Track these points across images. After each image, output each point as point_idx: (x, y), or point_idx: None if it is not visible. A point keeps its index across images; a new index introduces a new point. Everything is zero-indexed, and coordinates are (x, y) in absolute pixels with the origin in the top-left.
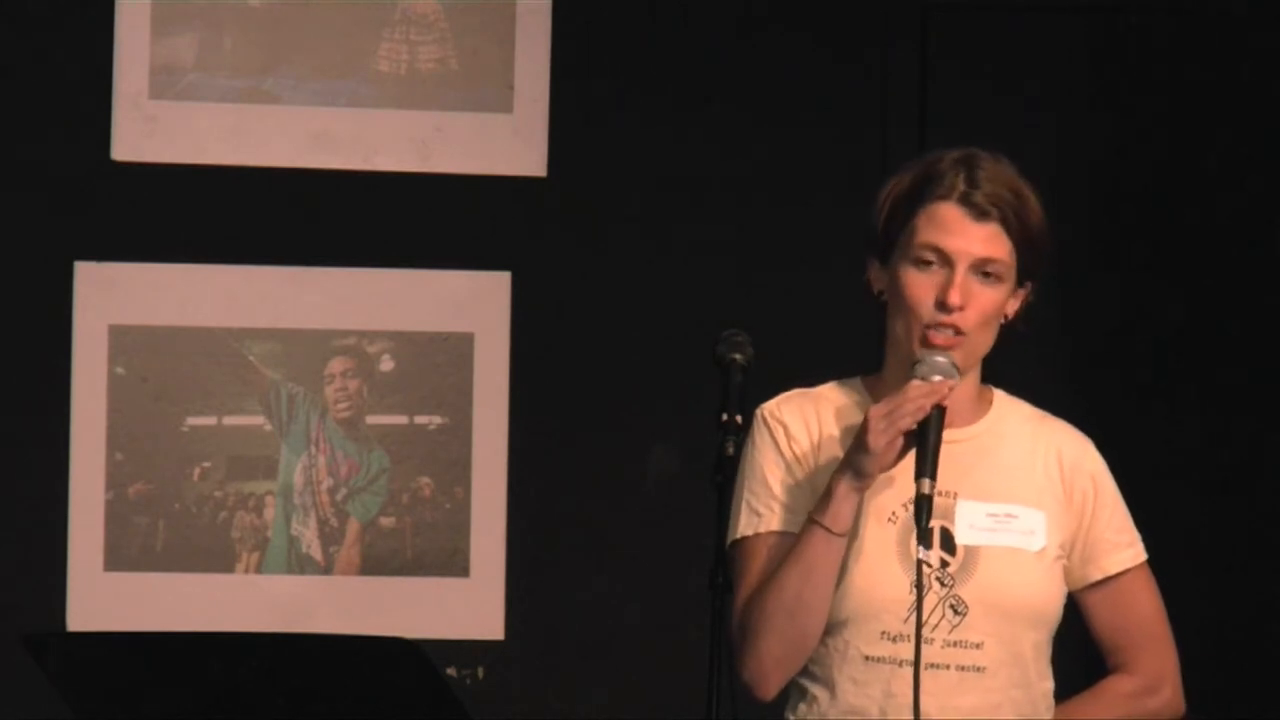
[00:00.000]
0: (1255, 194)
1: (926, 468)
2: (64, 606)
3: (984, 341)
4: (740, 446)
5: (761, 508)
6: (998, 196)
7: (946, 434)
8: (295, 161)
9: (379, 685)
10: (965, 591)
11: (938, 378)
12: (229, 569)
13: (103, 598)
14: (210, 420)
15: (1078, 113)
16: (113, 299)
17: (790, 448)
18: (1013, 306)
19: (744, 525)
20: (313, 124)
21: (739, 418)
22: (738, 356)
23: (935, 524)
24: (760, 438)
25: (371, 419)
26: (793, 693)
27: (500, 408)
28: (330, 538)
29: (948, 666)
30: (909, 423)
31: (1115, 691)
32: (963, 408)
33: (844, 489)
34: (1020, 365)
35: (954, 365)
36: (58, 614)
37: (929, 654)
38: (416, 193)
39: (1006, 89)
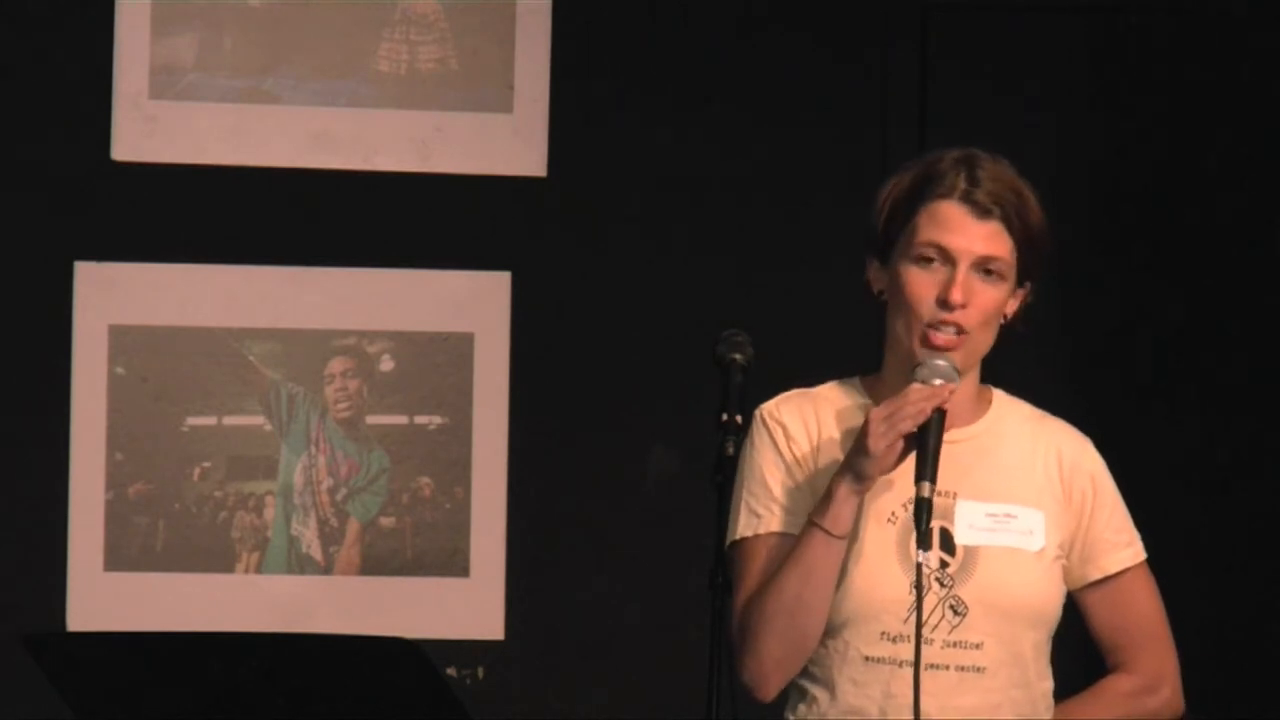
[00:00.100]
0: (1255, 194)
1: (927, 470)
2: (64, 606)
3: (984, 341)
4: (740, 446)
5: (761, 509)
6: (999, 195)
7: (946, 434)
8: (295, 161)
9: (379, 685)
10: (965, 592)
11: (938, 381)
12: (229, 569)
13: (103, 598)
14: (210, 420)
15: (1078, 113)
16: (113, 299)
17: (789, 448)
18: (1012, 306)
19: (743, 526)
20: (313, 124)
21: (739, 418)
22: (738, 356)
23: (935, 524)
24: (759, 438)
25: (371, 419)
26: (792, 693)
27: (500, 408)
28: (330, 538)
29: (947, 667)
30: (909, 426)
31: (1114, 691)
32: (962, 408)
33: (844, 491)
34: (1020, 365)
35: (954, 368)
36: (58, 614)
37: (929, 654)
38: (416, 193)
39: (1006, 89)
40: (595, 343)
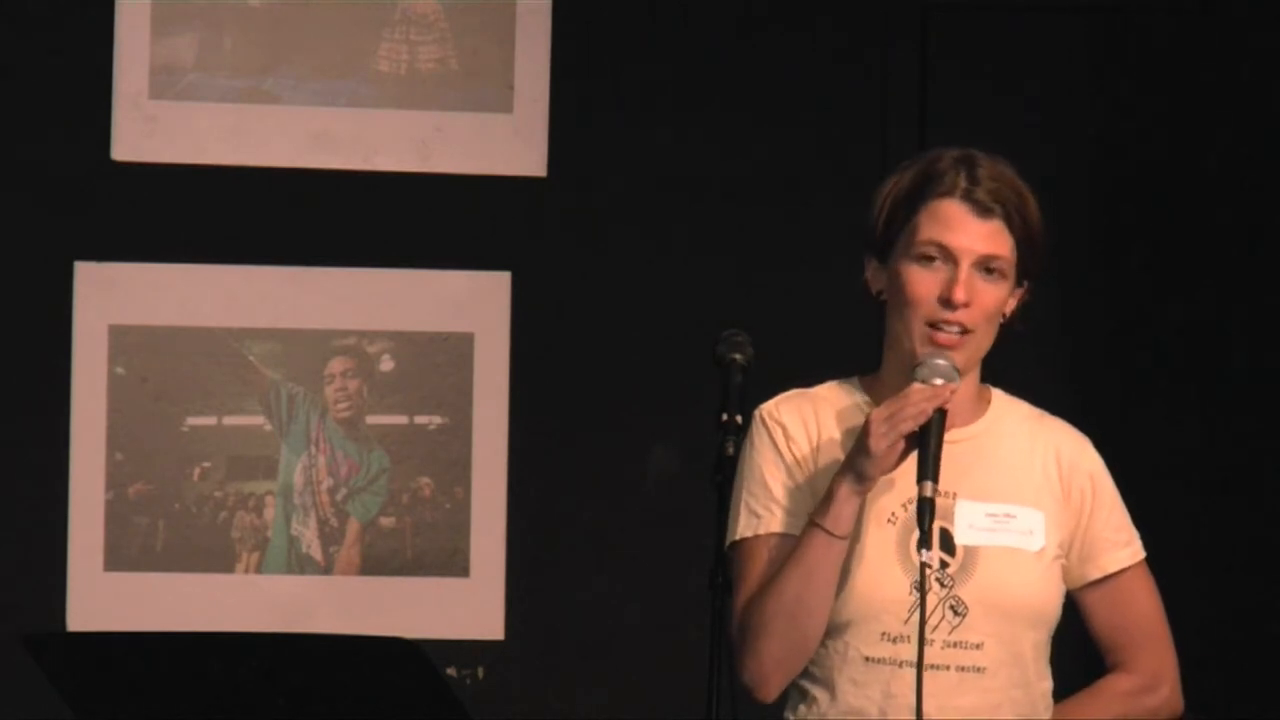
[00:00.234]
0: (1255, 194)
1: (928, 470)
2: (64, 606)
3: (985, 340)
4: (740, 446)
5: (760, 509)
6: (1000, 194)
7: (945, 434)
8: (295, 161)
9: (379, 685)
10: (965, 592)
11: (938, 381)
12: (229, 569)
13: (103, 598)
14: (210, 420)
15: (1078, 113)
16: (113, 299)
17: (789, 449)
18: (1011, 305)
19: (743, 527)
20: (313, 124)
21: (739, 418)
22: (738, 356)
23: (935, 524)
24: (759, 439)
25: (371, 419)
26: (792, 693)
27: (500, 408)
28: (330, 538)
29: (948, 667)
30: (910, 426)
31: (1114, 690)
32: (962, 408)
33: (845, 492)
34: (1020, 365)
35: (954, 368)
36: (58, 614)
37: (929, 654)
38: (416, 193)
39: (1006, 89)
40: (595, 343)
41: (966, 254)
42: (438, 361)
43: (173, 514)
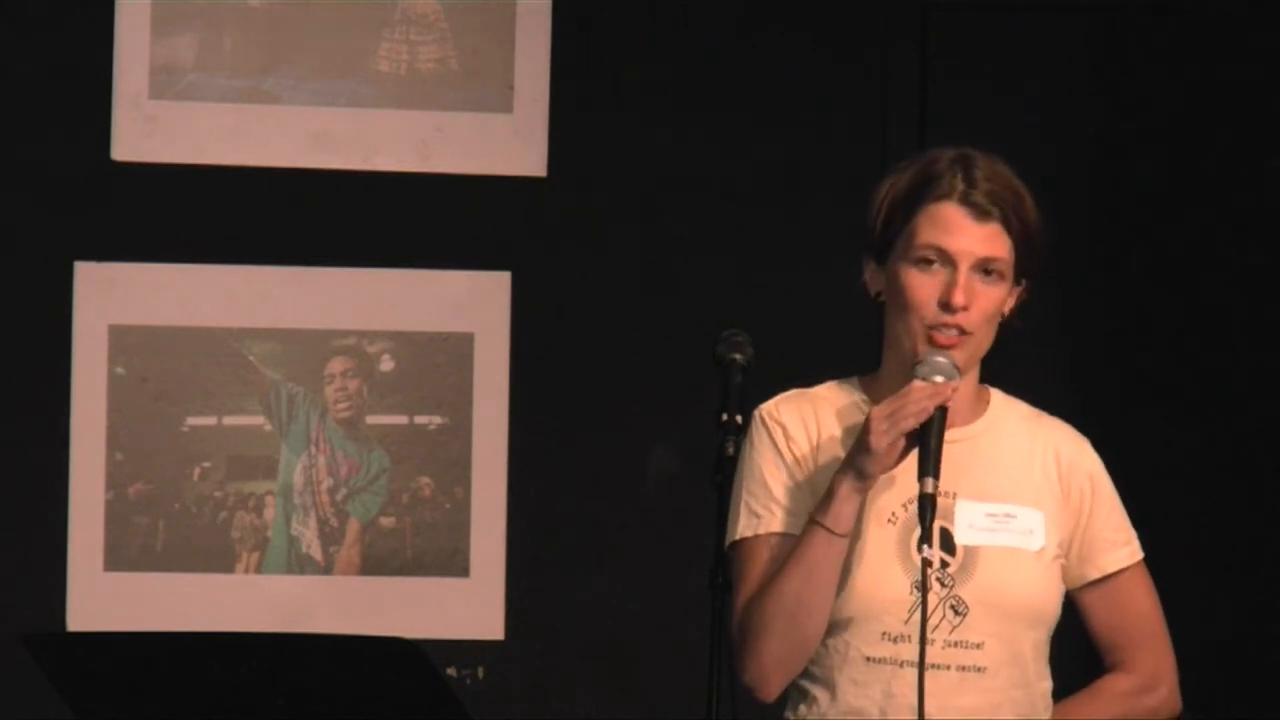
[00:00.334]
0: (1255, 194)
1: (929, 467)
2: (64, 606)
3: (985, 340)
4: (740, 446)
5: (760, 509)
6: (998, 196)
7: (945, 433)
8: (295, 161)
9: (379, 685)
10: (965, 592)
11: (939, 378)
12: (229, 569)
13: (103, 598)
14: (210, 420)
15: (1078, 113)
16: (113, 299)
17: (789, 449)
18: (1009, 304)
19: (743, 527)
20: (313, 124)
21: (739, 418)
22: (738, 356)
23: (935, 524)
24: (759, 438)
25: (371, 419)
26: (793, 693)
27: (500, 408)
28: (330, 538)
29: (948, 667)
30: (912, 424)
31: (1112, 690)
32: (961, 407)
33: (845, 490)
34: (1020, 365)
35: (954, 366)
36: (58, 614)
37: (929, 654)
38: (416, 193)
39: (1006, 89)
40: (595, 343)
41: (965, 257)
42: (438, 361)
43: (173, 514)
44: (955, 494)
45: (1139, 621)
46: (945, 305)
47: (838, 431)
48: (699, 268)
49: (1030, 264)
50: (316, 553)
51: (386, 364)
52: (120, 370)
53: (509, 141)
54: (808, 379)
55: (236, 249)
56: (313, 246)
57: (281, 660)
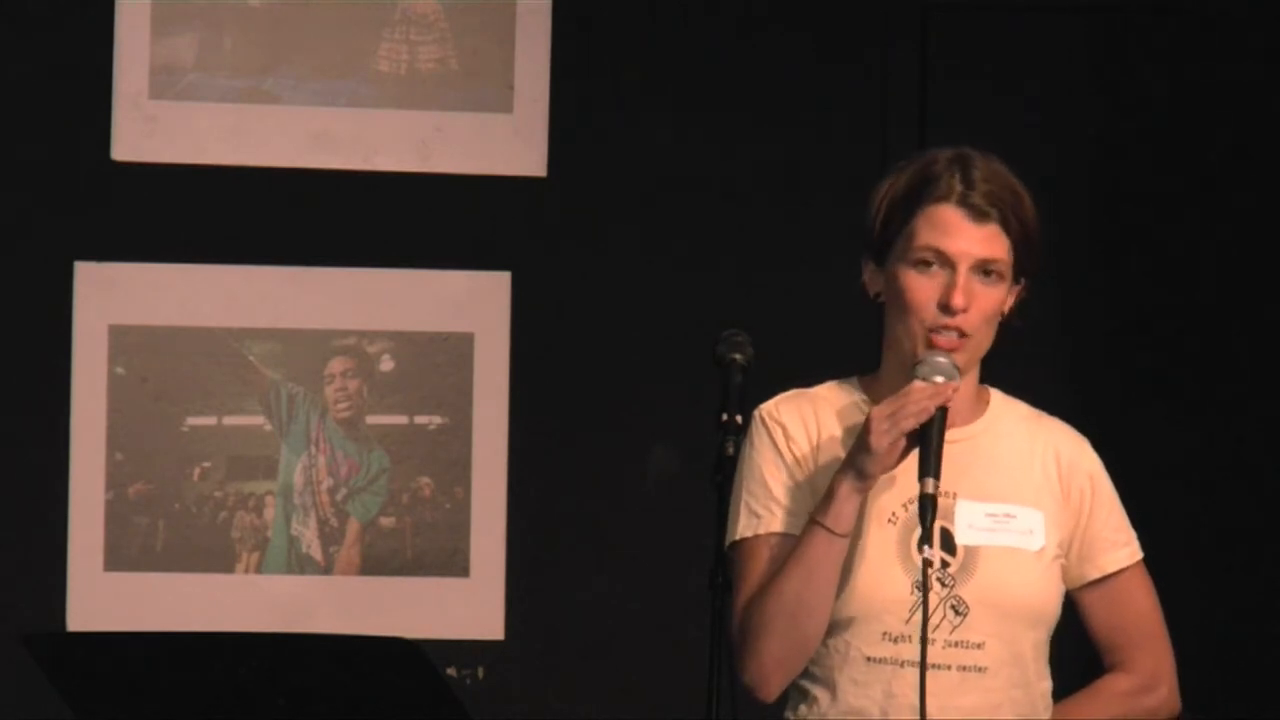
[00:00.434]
0: (1255, 194)
1: (930, 468)
2: (64, 606)
3: (985, 340)
4: (740, 446)
5: (760, 509)
6: (995, 196)
7: (945, 434)
8: (295, 161)
9: (379, 685)
10: (966, 592)
11: (939, 378)
12: (229, 569)
13: (103, 598)
14: (210, 420)
15: (1078, 113)
16: (113, 299)
17: (789, 449)
18: (1009, 304)
19: (743, 527)
20: (313, 124)
21: (739, 418)
22: (738, 356)
23: (936, 524)
24: (759, 439)
25: (371, 419)
26: (793, 693)
27: (500, 408)
28: (330, 538)
29: (949, 667)
30: (912, 424)
31: (1112, 690)
32: (961, 407)
33: (846, 490)
34: (1020, 365)
35: (954, 366)
36: (58, 614)
37: (930, 654)
38: (416, 193)
39: (1006, 89)
40: (595, 343)
41: (964, 259)
42: (438, 361)
43: (173, 514)
44: (955, 494)
45: (1138, 621)
46: (945, 307)
47: (838, 431)
48: (699, 268)
49: (1029, 263)
50: (316, 553)
51: (386, 364)
52: (120, 370)
53: (509, 141)
54: (808, 379)
55: (236, 249)
56: (313, 246)
57: (281, 660)
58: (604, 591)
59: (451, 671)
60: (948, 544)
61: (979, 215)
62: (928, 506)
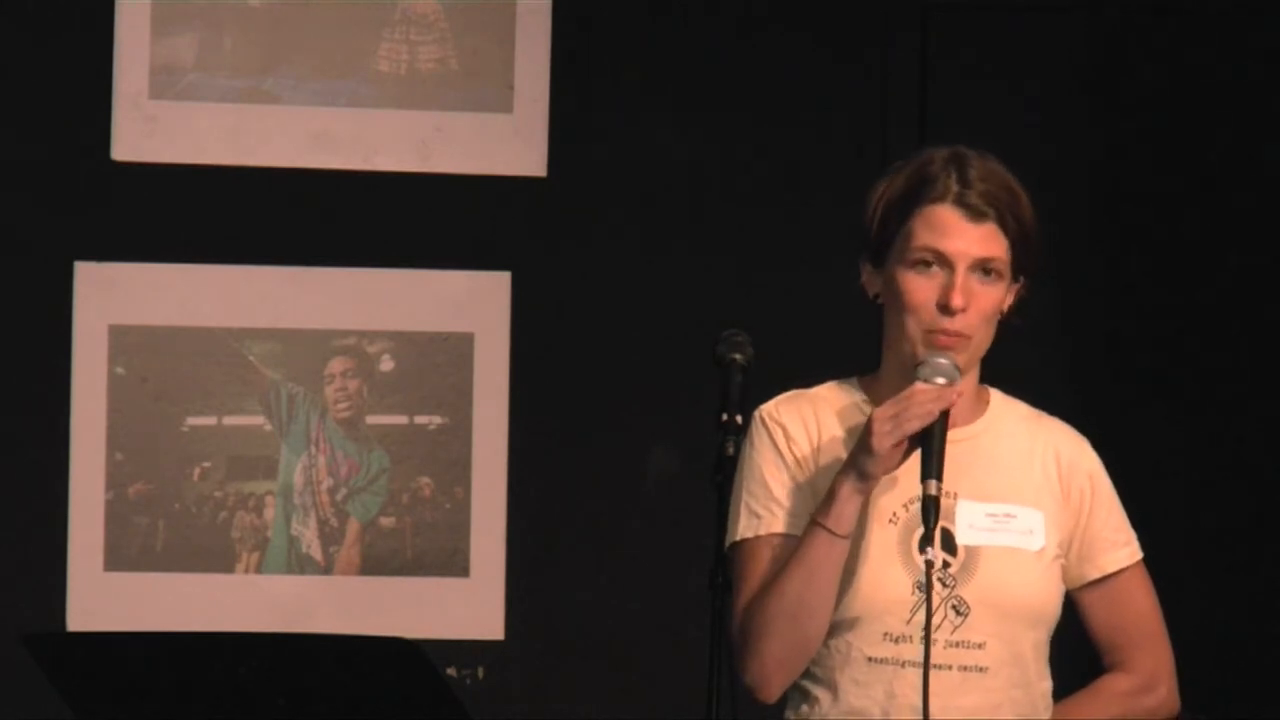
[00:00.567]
0: (1255, 194)
1: (933, 469)
2: (64, 606)
3: (984, 340)
4: (740, 446)
5: (761, 510)
6: (992, 196)
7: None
8: (295, 161)
9: (379, 685)
10: (966, 592)
11: (941, 380)
12: (229, 569)
13: (103, 598)
14: (210, 420)
15: (1078, 113)
16: (113, 299)
17: (790, 449)
18: (1008, 302)
19: (744, 527)
20: (313, 124)
21: (739, 418)
22: (738, 356)
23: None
24: (759, 439)
25: (371, 419)
26: (794, 694)
27: (500, 408)
28: (330, 538)
29: (950, 667)
30: (916, 426)
31: (1111, 690)
32: (961, 408)
33: (847, 491)
34: (1020, 365)
35: (955, 366)
36: (58, 614)
37: (931, 654)
38: (416, 193)
39: (1006, 89)
40: (595, 343)
41: (962, 259)
42: (438, 361)
43: (173, 514)
44: (956, 494)
45: (1138, 621)
46: (944, 307)
47: (838, 432)
48: (699, 268)
49: (1028, 261)
50: (316, 553)
51: (386, 364)
52: (120, 370)
53: (509, 141)
54: (808, 379)
55: (236, 249)
56: (313, 246)
57: (281, 660)
58: (604, 591)
59: (451, 671)
60: (948, 544)
61: (976, 215)
62: (931, 508)
